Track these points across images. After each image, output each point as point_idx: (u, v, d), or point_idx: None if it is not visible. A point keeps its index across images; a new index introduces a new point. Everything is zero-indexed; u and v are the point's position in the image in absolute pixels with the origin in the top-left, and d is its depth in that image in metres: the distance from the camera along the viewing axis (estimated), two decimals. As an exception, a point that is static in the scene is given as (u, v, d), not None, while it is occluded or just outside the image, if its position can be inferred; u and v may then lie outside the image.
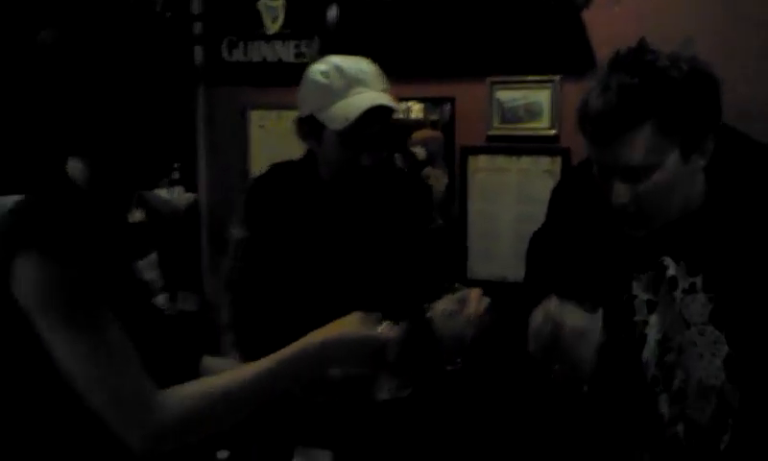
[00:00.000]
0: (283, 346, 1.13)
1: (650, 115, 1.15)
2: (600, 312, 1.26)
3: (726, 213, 1.23)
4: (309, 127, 1.63)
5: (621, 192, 1.19)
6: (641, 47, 1.20)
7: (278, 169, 1.79)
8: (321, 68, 1.62)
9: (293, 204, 1.67)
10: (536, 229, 1.52)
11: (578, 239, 1.35)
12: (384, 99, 1.58)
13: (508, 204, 2.38)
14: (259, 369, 1.08)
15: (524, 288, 1.52)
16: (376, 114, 1.55)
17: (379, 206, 1.67)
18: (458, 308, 1.48)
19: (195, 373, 1.22)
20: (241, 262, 1.71)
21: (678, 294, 1.24)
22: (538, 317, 1.28)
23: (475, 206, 2.56)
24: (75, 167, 1.09)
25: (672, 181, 1.19)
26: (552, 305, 1.27)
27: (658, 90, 1.15)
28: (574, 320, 1.25)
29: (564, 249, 1.37)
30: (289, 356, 1.11)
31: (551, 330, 1.26)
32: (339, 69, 1.60)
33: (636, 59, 1.18)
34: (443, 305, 1.49)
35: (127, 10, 1.07)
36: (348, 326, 1.15)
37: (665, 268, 1.25)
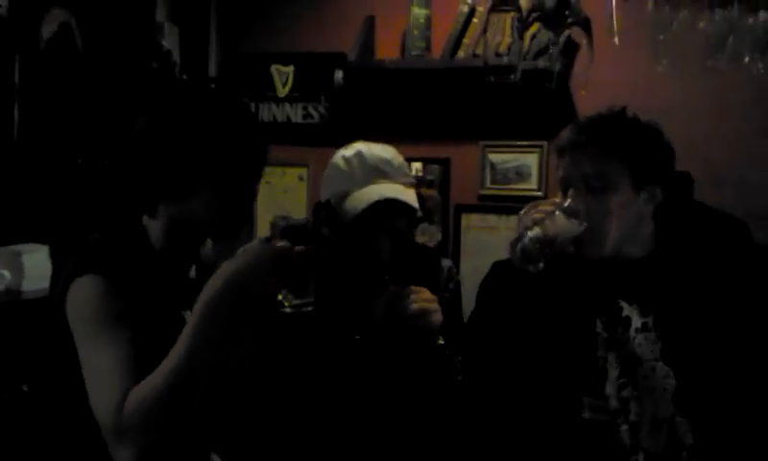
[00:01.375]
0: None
1: (608, 141, 1.39)
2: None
3: (674, 262, 1.39)
4: (326, 212, 1.56)
5: (576, 198, 1.37)
6: (617, 108, 1.46)
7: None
8: (345, 154, 1.56)
9: None
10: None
11: (548, 277, 1.47)
12: (398, 193, 1.49)
13: (498, 259, 2.49)
14: (184, 333, 1.07)
15: (476, 319, 1.60)
16: (390, 208, 1.48)
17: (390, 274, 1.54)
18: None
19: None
20: None
21: (632, 333, 1.37)
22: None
23: (467, 260, 2.69)
24: (151, 225, 1.29)
25: (620, 207, 1.37)
26: None
27: (618, 126, 1.41)
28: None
29: (532, 284, 1.49)
30: (203, 303, 1.07)
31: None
32: (361, 158, 1.53)
33: (608, 111, 1.45)
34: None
35: (202, 104, 1.31)
36: (250, 250, 1.12)
37: (621, 309, 1.39)
